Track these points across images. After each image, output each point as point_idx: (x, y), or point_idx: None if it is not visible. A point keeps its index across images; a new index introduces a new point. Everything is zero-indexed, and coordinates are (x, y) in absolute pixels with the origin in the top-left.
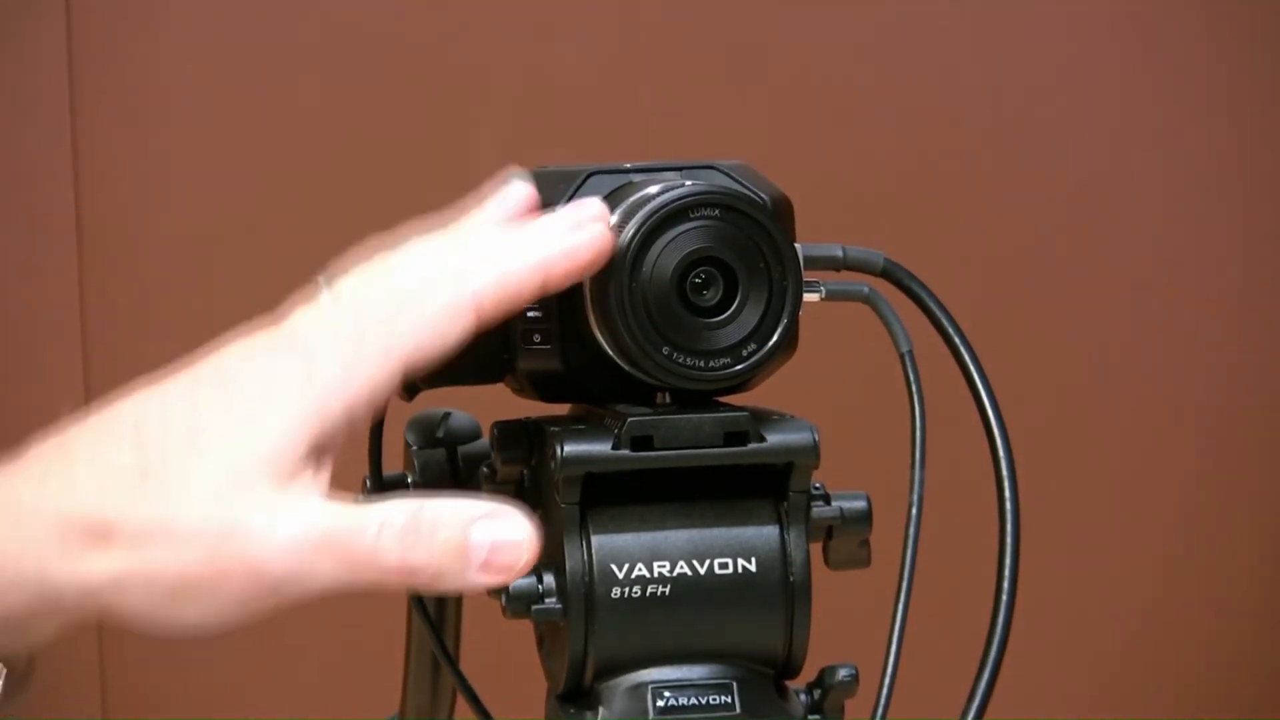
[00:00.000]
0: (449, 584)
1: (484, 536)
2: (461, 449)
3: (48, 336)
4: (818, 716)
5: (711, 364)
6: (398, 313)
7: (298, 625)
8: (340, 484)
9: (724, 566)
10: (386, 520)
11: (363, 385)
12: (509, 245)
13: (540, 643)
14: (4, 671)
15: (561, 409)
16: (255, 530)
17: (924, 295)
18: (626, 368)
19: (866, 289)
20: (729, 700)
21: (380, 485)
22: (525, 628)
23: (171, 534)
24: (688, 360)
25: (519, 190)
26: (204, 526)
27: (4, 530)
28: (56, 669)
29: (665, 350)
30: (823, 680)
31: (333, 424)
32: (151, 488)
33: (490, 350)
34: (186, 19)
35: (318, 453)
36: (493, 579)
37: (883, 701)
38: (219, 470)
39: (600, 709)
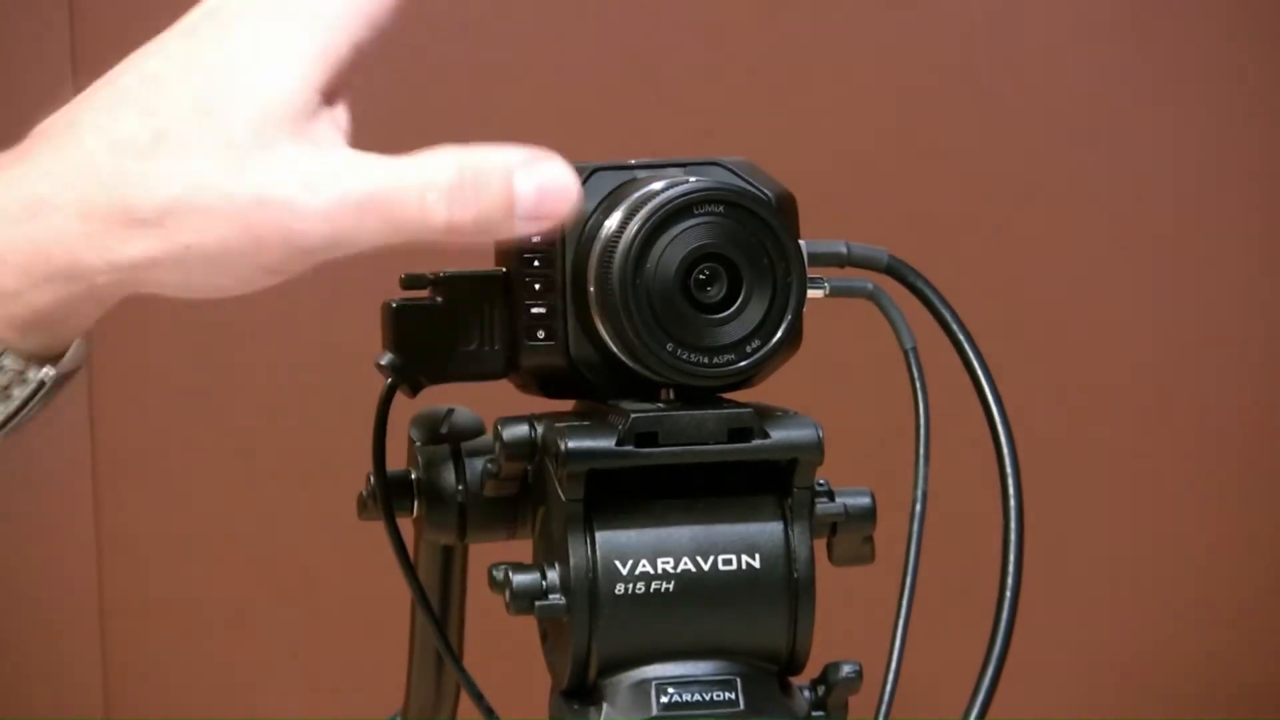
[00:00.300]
0: (497, 234)
1: (529, 184)
2: (465, 445)
3: None
4: (821, 713)
5: (715, 360)
6: None
7: (300, 624)
8: (344, 480)
9: (728, 563)
10: (430, 180)
11: (364, 13)
12: None
13: (544, 639)
14: (51, 373)
15: (565, 405)
16: (293, 197)
17: (928, 292)
18: (630, 364)
19: (870, 285)
20: (733, 696)
21: (384, 482)
22: (529, 624)
23: (202, 208)
24: (692, 357)
25: None
26: (235, 196)
27: (24, 224)
28: (59, 669)
29: (669, 346)
30: (826, 677)
31: (340, 56)
32: (169, 157)
33: (494, 347)
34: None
35: (333, 92)
36: (540, 225)
37: (886, 698)
38: (235, 127)
39: (604, 705)
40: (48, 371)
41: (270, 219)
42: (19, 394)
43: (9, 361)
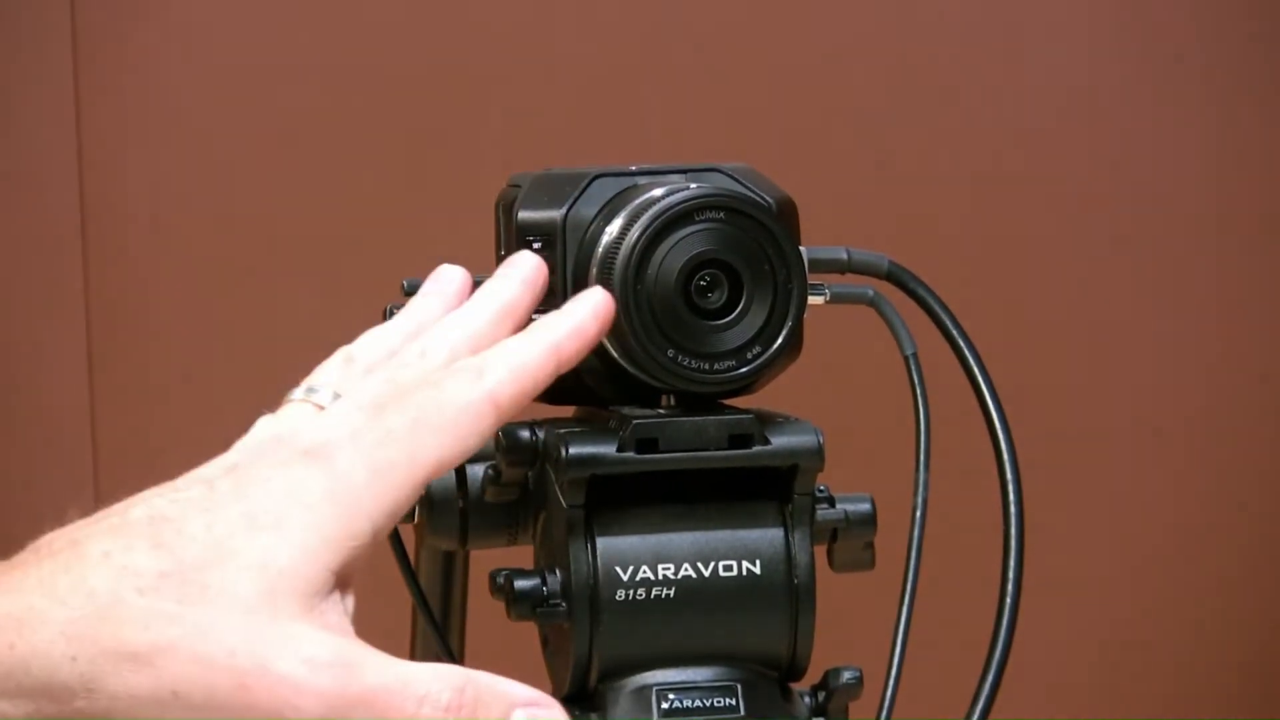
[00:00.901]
0: None
1: None
2: None
3: (52, 334)
4: (822, 719)
5: (716, 366)
6: (418, 419)
7: None
8: None
9: (728, 569)
10: (430, 693)
11: (388, 500)
12: (514, 339)
13: (545, 645)
14: None
15: (566, 411)
16: (295, 674)
17: (928, 298)
18: (631, 370)
19: (871, 292)
20: (733, 702)
21: None
22: (530, 630)
23: (200, 658)
24: (692, 363)
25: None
26: (236, 654)
27: (9, 633)
28: None
29: (670, 353)
30: (827, 683)
31: (359, 542)
32: (173, 598)
33: None
34: (191, 15)
35: (345, 573)
36: None
37: (887, 704)
38: (244, 585)
39: (605, 711)
40: None
41: (268, 687)
42: None
43: None
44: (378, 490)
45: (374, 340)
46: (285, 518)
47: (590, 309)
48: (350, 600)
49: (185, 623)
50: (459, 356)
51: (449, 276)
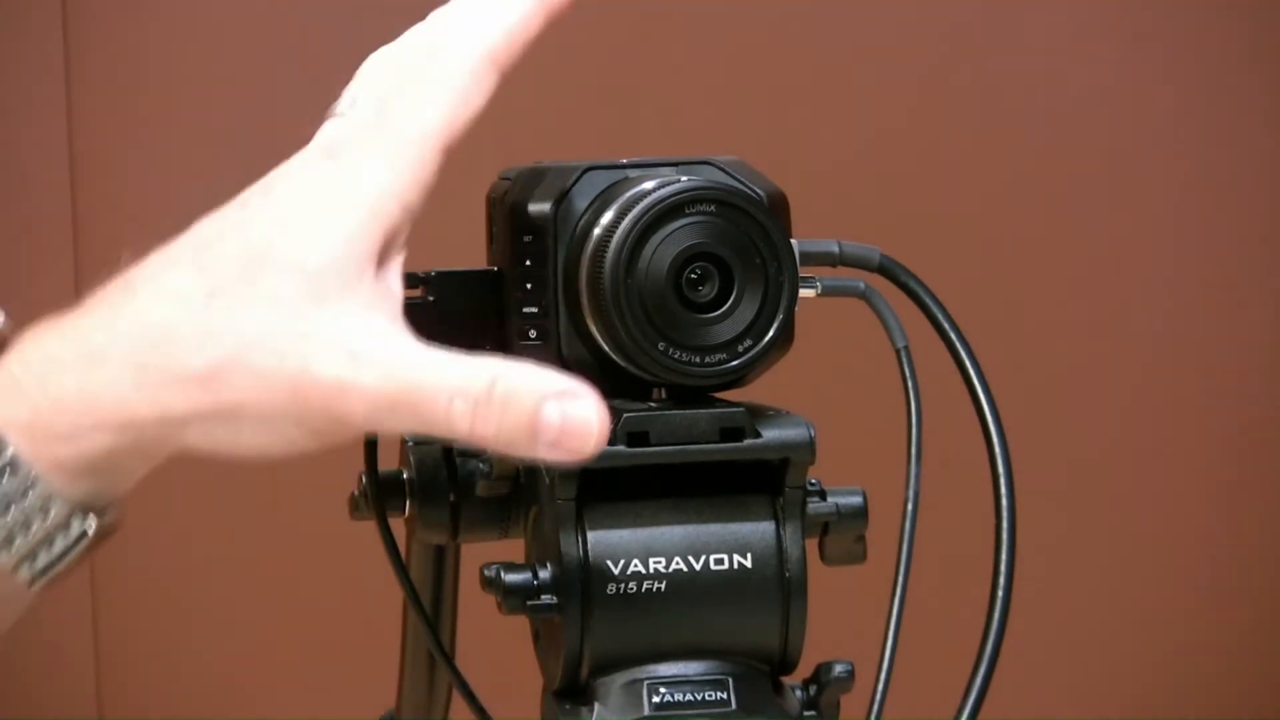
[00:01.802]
0: (518, 454)
1: (555, 415)
2: (457, 445)
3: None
4: (813, 713)
5: (707, 360)
6: (421, 95)
7: (292, 624)
8: (336, 479)
9: (720, 562)
10: (461, 387)
11: (407, 175)
12: None
13: (536, 638)
14: (94, 524)
15: None
16: (339, 371)
17: (920, 291)
18: (622, 364)
19: (862, 285)
20: (725, 696)
21: (376, 482)
22: (521, 623)
23: (252, 369)
24: (683, 356)
25: None
26: (285, 359)
27: (79, 374)
28: (52, 670)
29: (661, 346)
30: (818, 677)
31: (391, 220)
32: (221, 314)
33: (486, 346)
34: (182, 12)
35: (385, 249)
36: (560, 457)
37: (878, 698)
38: (285, 289)
39: (596, 705)
40: (90, 522)
41: (316, 388)
42: (60, 543)
43: (56, 508)
44: (398, 168)
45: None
46: (315, 216)
47: None
48: (395, 279)
49: (235, 338)
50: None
51: None
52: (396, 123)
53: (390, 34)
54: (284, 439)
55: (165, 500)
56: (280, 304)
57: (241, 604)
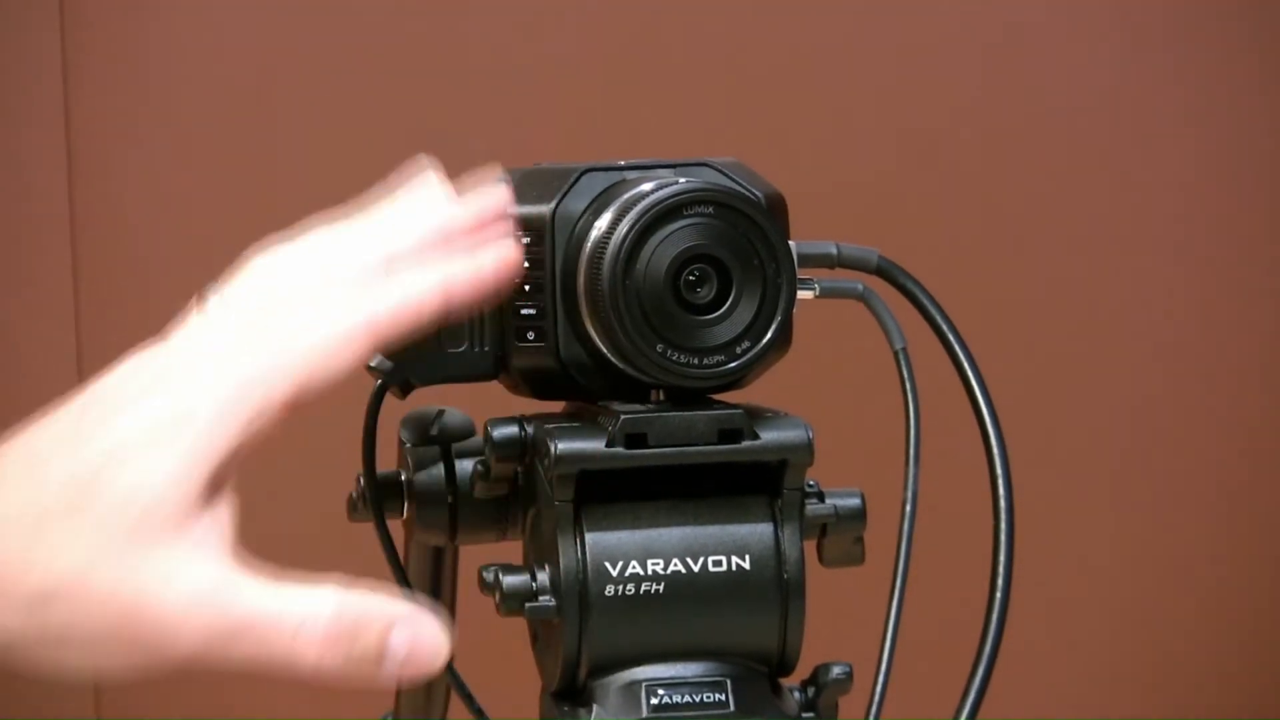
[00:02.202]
0: (361, 680)
1: (403, 640)
2: (455, 446)
3: (42, 335)
4: (812, 714)
5: (705, 361)
6: (286, 337)
7: None
8: (336, 480)
9: (718, 564)
10: (306, 620)
11: (246, 417)
12: (410, 263)
13: (534, 640)
14: None
15: (555, 407)
16: (168, 610)
17: (918, 293)
18: (620, 365)
19: (861, 286)
20: (723, 698)
21: (374, 483)
22: (520, 625)
23: (80, 597)
24: (682, 358)
25: (428, 185)
26: (115, 592)
27: None
28: None
29: (659, 348)
30: (817, 678)
31: (219, 459)
32: (49, 543)
33: (484, 348)
34: (180, 12)
35: (213, 488)
36: (405, 675)
37: (877, 699)
38: (115, 522)
39: (594, 706)
40: None
41: (146, 623)
42: None
43: None
44: (236, 410)
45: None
46: (147, 446)
47: (494, 260)
48: (227, 509)
49: (65, 565)
50: (371, 267)
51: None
52: (250, 363)
53: (387, 34)
54: (112, 663)
55: None
56: (110, 537)
57: None
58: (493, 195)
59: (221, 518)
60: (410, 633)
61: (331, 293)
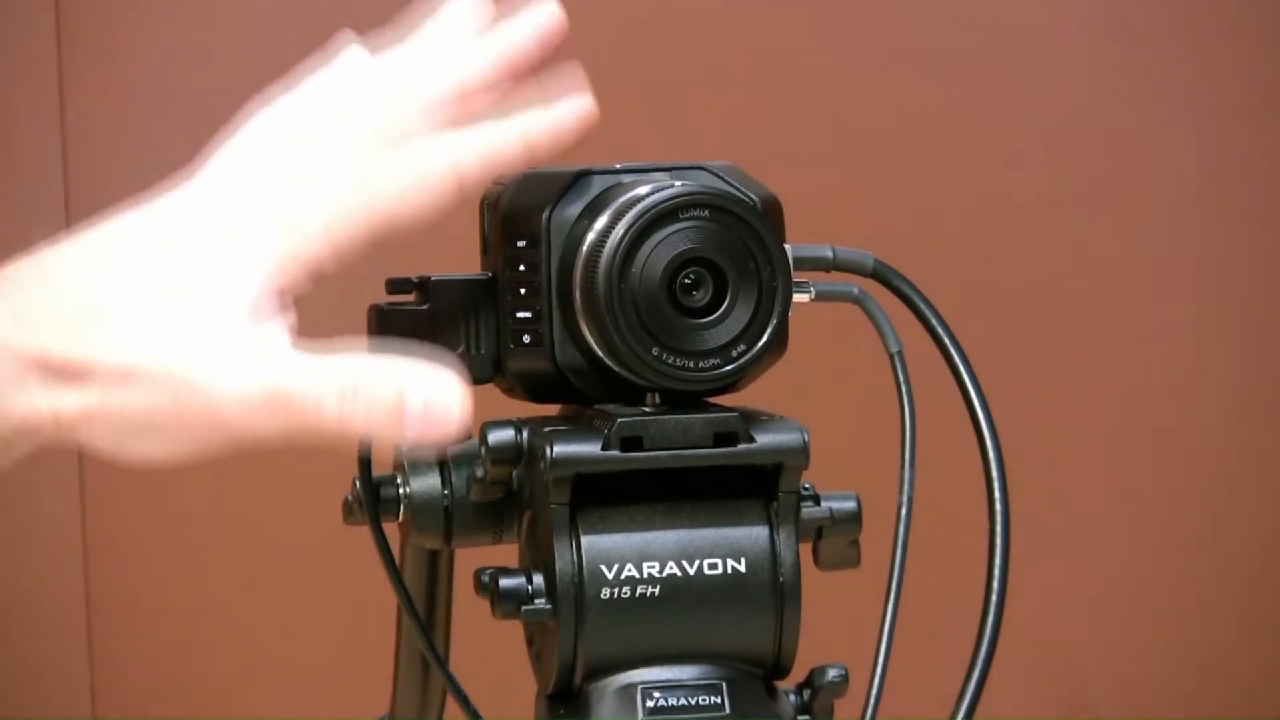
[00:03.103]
0: (386, 439)
1: (417, 399)
2: (451, 449)
3: None
4: (807, 717)
5: (701, 365)
6: (380, 173)
7: (286, 626)
8: (328, 483)
9: (713, 567)
10: (327, 384)
11: (337, 240)
12: (486, 102)
13: (530, 643)
14: None
15: (551, 409)
16: (214, 381)
17: (913, 296)
18: (616, 368)
19: (856, 290)
20: (718, 701)
21: (370, 486)
22: (515, 628)
23: (139, 375)
24: (677, 361)
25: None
26: (169, 371)
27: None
28: (45, 668)
29: (655, 351)
30: (812, 681)
31: (301, 269)
32: (117, 322)
33: (480, 351)
34: (176, 10)
35: (283, 294)
36: (428, 436)
37: (872, 702)
38: (186, 314)
39: (590, 710)
40: None
41: (193, 395)
42: None
43: None
44: (332, 232)
45: (382, 67)
46: (232, 248)
47: (574, 110)
48: (290, 311)
49: (130, 351)
50: (445, 104)
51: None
52: (350, 191)
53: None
54: (167, 446)
55: (159, 502)
56: (177, 332)
57: (235, 605)
58: (544, 12)
59: (287, 318)
60: (423, 392)
61: (421, 129)
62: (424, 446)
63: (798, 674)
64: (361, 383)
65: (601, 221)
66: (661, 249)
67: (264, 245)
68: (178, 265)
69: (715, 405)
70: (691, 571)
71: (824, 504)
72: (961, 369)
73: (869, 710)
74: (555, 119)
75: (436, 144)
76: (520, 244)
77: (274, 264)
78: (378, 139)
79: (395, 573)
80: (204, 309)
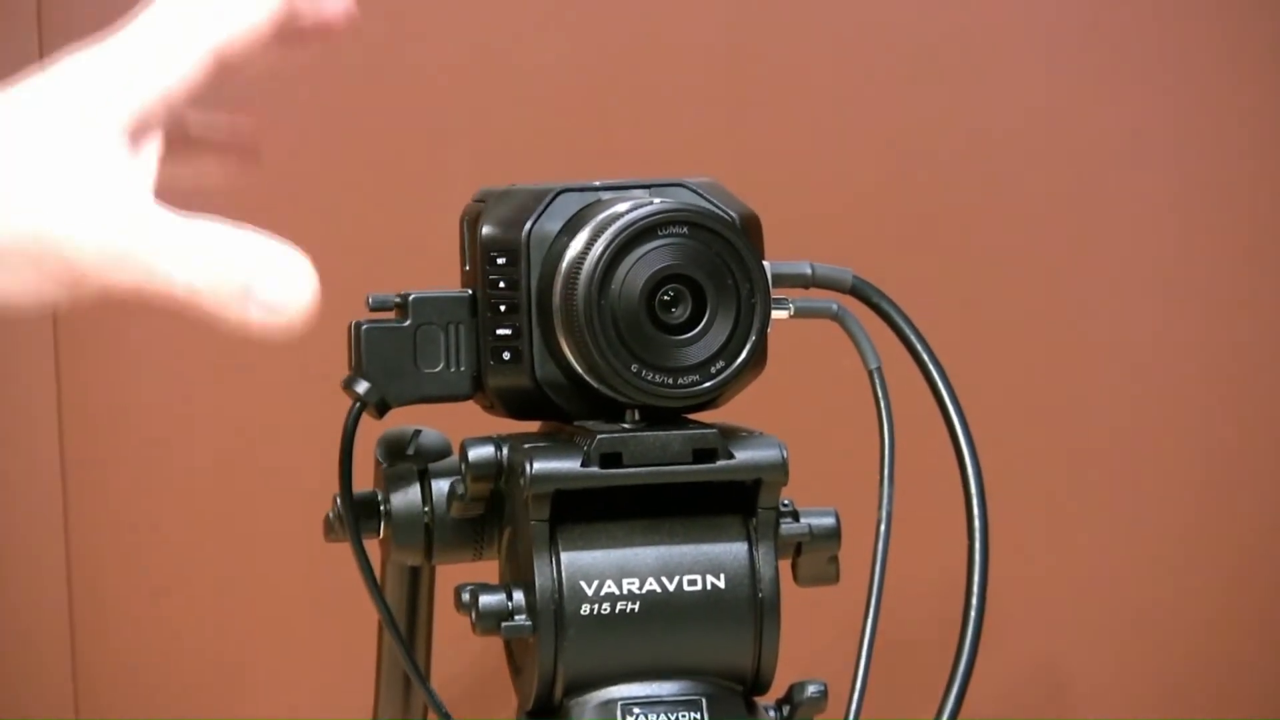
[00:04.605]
0: (229, 313)
1: (267, 278)
2: (431, 466)
3: (23, 334)
4: None
5: (680, 381)
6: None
7: (270, 627)
8: (312, 501)
9: (693, 583)
10: (182, 251)
11: (171, 64)
12: None
13: (510, 659)
14: None
15: (531, 426)
16: (66, 238)
17: (892, 312)
18: (595, 385)
19: (835, 306)
20: (698, 716)
21: (351, 503)
22: (496, 644)
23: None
24: (656, 377)
25: None
26: (28, 225)
27: None
28: (28, 668)
29: (634, 367)
30: (792, 696)
31: (146, 104)
32: None
33: (460, 368)
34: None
35: (137, 131)
36: (272, 318)
37: (852, 716)
38: (32, 170)
39: None
40: None
41: (53, 251)
42: None
43: None
44: (164, 58)
45: None
46: (73, 99)
47: None
48: (152, 146)
49: None
50: None
51: None
52: (181, 18)
53: (364, 54)
54: (21, 282)
55: (142, 505)
56: (33, 172)
57: (219, 609)
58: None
59: (146, 156)
60: (275, 265)
61: None
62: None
63: (777, 689)
64: (215, 258)
65: (581, 238)
66: (640, 266)
67: (108, 85)
68: (29, 129)
69: (694, 422)
70: (671, 588)
71: (803, 520)
72: (940, 385)
73: None
74: None
75: None
76: (500, 261)
77: (123, 100)
78: None
79: (376, 589)
80: (56, 164)
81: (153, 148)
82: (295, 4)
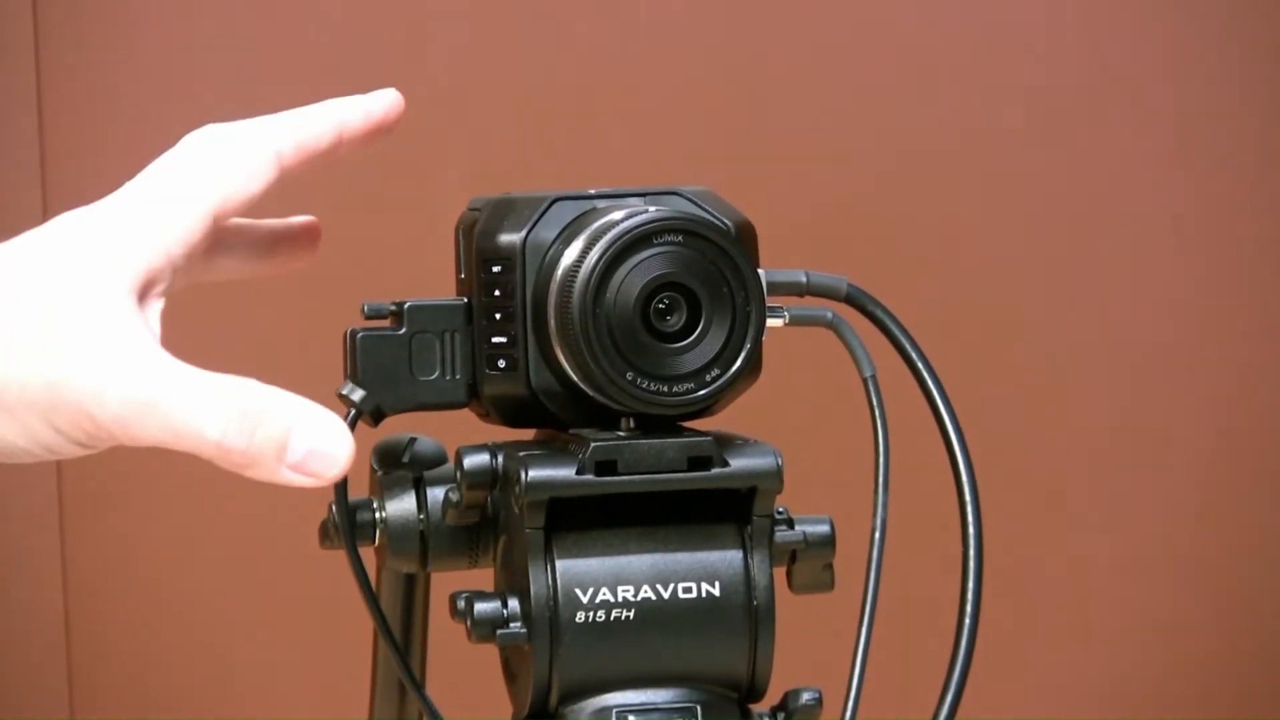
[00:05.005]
0: (260, 475)
1: (302, 441)
2: (426, 474)
3: None
4: None
5: (675, 389)
6: (200, 162)
7: (265, 628)
8: (307, 508)
9: (688, 591)
10: (214, 401)
11: (171, 224)
12: (303, 108)
13: (505, 667)
14: None
15: (526, 434)
16: (95, 375)
17: (887, 320)
18: (590, 393)
19: (830, 314)
20: None
21: (346, 510)
22: (491, 652)
23: (11, 367)
24: (651, 385)
25: None
26: (44, 360)
27: None
28: (23, 670)
29: (629, 375)
30: (787, 704)
31: (152, 264)
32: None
33: (455, 376)
34: (155, 11)
35: (143, 291)
36: (302, 481)
37: None
38: (54, 328)
39: None
40: None
41: (72, 386)
42: None
43: None
44: (160, 220)
45: None
46: (77, 258)
47: (384, 99)
48: (156, 306)
49: (11, 371)
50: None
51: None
52: (170, 183)
53: (357, 61)
54: (34, 437)
55: (138, 510)
56: (49, 342)
57: (214, 613)
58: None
59: (150, 320)
60: (309, 437)
61: (232, 132)
62: (301, 484)
63: (772, 697)
64: (251, 408)
65: (576, 246)
66: (635, 274)
67: (111, 245)
68: (31, 289)
69: (689, 429)
70: (666, 595)
71: (798, 528)
72: (935, 393)
73: None
74: (364, 102)
75: (252, 126)
76: (495, 269)
77: (118, 265)
78: (205, 137)
79: (372, 597)
80: (59, 315)
81: (157, 306)
82: (344, 122)
